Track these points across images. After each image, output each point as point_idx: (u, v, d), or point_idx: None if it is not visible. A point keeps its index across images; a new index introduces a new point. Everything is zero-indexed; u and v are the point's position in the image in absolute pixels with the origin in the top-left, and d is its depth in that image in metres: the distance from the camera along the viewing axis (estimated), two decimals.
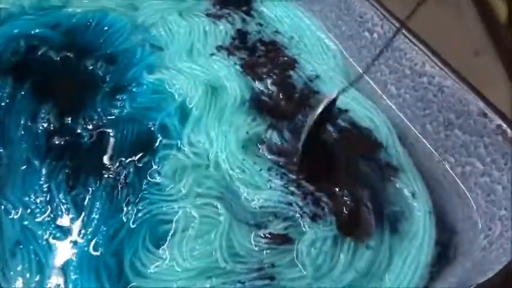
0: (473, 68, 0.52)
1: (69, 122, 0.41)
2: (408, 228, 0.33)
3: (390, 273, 0.31)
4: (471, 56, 0.53)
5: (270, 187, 0.36)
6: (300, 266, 0.32)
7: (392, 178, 0.37)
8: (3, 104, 0.43)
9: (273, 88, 0.43)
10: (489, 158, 0.32)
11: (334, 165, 0.38)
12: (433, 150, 0.37)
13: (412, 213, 0.35)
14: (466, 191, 0.35)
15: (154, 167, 0.38)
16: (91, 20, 0.51)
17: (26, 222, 0.35)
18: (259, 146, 0.39)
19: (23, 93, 0.44)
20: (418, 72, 0.37)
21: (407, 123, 0.40)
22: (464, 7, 0.57)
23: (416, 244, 0.32)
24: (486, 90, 0.44)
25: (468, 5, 0.57)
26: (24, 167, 0.38)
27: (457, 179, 0.36)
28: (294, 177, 0.36)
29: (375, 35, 0.41)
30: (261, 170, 0.37)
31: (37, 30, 0.50)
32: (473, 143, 0.33)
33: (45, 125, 0.41)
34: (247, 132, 0.39)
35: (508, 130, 0.31)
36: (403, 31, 0.38)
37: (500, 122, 0.31)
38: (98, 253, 0.33)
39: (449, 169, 0.36)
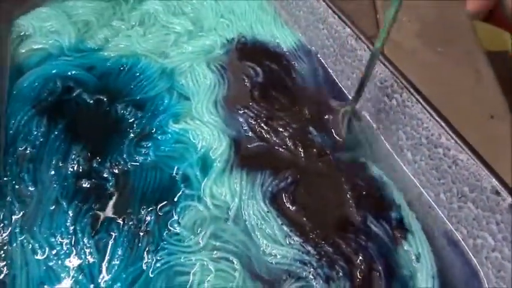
0: (488, 133, 0.53)
1: (97, 165, 0.44)
2: None
3: None
4: (486, 120, 0.55)
5: (289, 243, 0.37)
6: None
7: (401, 240, 0.38)
8: (37, 143, 0.45)
9: (290, 143, 0.45)
10: (500, 234, 0.33)
11: (346, 223, 0.39)
12: (445, 219, 0.38)
13: (416, 277, 0.36)
14: (477, 264, 0.35)
15: (175, 217, 0.39)
16: (124, 65, 0.54)
17: (50, 264, 0.36)
18: (285, 200, 0.40)
19: (56, 133, 0.46)
20: (434, 142, 0.39)
21: (421, 189, 0.41)
22: (483, 72, 0.59)
23: None
24: (500, 159, 0.45)
25: (487, 70, 0.59)
26: (53, 207, 0.40)
27: (468, 251, 0.36)
28: (312, 236, 0.38)
29: (394, 101, 0.43)
30: (282, 224, 0.38)
31: (73, 72, 0.53)
32: (486, 218, 0.34)
33: (75, 166, 0.43)
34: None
35: None
36: (421, 102, 0.39)
37: None
38: None
39: (461, 239, 0.37)
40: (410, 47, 0.61)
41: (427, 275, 0.35)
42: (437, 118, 0.38)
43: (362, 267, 0.35)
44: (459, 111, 0.49)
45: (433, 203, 0.40)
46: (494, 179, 0.33)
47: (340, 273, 0.35)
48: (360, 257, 0.36)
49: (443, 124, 0.38)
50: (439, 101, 0.40)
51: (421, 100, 0.40)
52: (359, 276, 0.35)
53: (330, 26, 0.51)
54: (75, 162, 0.44)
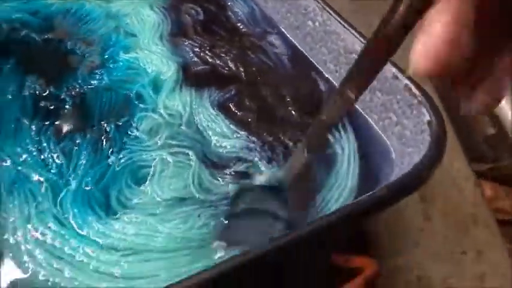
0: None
1: (53, 90, 0.47)
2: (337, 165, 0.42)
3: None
4: None
5: (236, 137, 0.44)
6: None
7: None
8: None
9: (231, 65, 0.52)
10: (400, 110, 0.42)
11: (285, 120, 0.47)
12: (361, 111, 0.47)
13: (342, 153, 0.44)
14: (386, 139, 0.44)
15: (133, 124, 0.44)
16: (69, 9, 0.57)
17: (20, 168, 0.40)
18: (231, 107, 0.47)
19: (8, 66, 0.49)
20: (349, 50, 0.47)
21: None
22: None
23: (342, 174, 0.41)
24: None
25: None
26: (14, 125, 0.43)
27: (379, 131, 0.45)
28: (256, 130, 0.44)
29: (317, 23, 0.51)
30: (230, 123, 0.44)
31: (18, 15, 0.55)
32: (389, 101, 0.43)
33: (32, 92, 0.46)
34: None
35: (412, 87, 0.41)
36: (338, 18, 0.48)
37: (406, 81, 0.41)
38: (88, 188, 0.38)
39: (373, 124, 0.46)
40: None
41: (349, 151, 0.43)
42: (350, 30, 0.46)
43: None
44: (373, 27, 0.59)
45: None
46: (392, 66, 0.42)
47: (280, 155, 0.43)
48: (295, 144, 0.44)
49: (356, 34, 0.46)
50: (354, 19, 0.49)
51: (337, 17, 0.48)
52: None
53: None
54: (31, 88, 0.47)
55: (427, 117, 0.39)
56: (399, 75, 0.42)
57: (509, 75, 0.16)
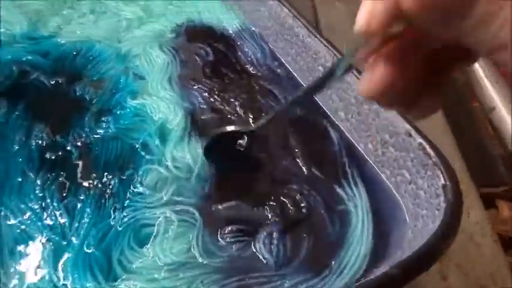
0: None
1: (60, 139, 0.47)
2: (352, 224, 0.41)
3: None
4: None
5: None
6: (261, 256, 0.38)
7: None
8: None
9: (240, 111, 0.50)
10: (414, 169, 0.40)
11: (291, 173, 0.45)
12: (373, 165, 0.45)
13: (356, 212, 0.42)
14: (398, 197, 0.42)
15: (138, 179, 0.43)
16: (79, 50, 0.57)
17: (23, 227, 0.39)
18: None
19: (17, 113, 0.49)
20: (360, 100, 0.45)
21: (353, 142, 0.48)
22: None
23: (357, 236, 0.39)
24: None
25: None
26: (20, 179, 0.43)
27: (391, 187, 0.43)
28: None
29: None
30: None
31: (29, 57, 0.55)
32: (402, 157, 0.41)
33: (39, 141, 0.46)
34: None
35: (427, 146, 0.39)
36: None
37: (420, 140, 0.39)
38: (89, 251, 0.38)
39: (385, 179, 0.44)
40: (342, 28, 0.69)
41: (362, 208, 0.42)
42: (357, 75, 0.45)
43: (304, 205, 0.42)
44: None
45: (363, 152, 0.47)
46: (406, 124, 0.40)
47: (289, 210, 0.41)
48: (304, 200, 0.42)
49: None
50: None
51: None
52: (304, 211, 0.41)
53: (269, 8, 0.57)
54: (38, 137, 0.46)
55: (442, 181, 0.37)
56: (413, 132, 0.40)
57: (432, 104, 0.21)
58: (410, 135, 0.40)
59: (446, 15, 0.15)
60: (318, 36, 0.50)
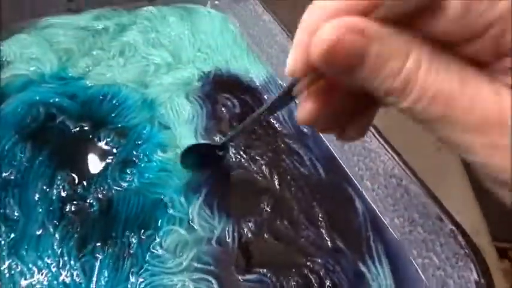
0: (435, 163, 0.60)
1: (82, 190, 0.46)
2: None
3: None
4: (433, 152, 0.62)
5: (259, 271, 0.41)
6: None
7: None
8: (22, 168, 0.47)
9: (266, 170, 0.50)
10: (443, 255, 0.39)
11: (316, 245, 0.44)
12: (398, 241, 0.44)
13: None
14: (425, 280, 0.41)
15: (158, 240, 0.43)
16: (106, 94, 0.57)
17: (38, 286, 0.38)
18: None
19: (41, 158, 0.48)
20: (388, 173, 0.44)
21: (379, 213, 0.46)
22: None
23: None
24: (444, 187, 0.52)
25: None
26: (39, 231, 0.42)
27: (418, 269, 0.42)
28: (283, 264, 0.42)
29: None
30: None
31: (56, 99, 0.55)
32: (431, 241, 0.40)
33: (61, 191, 0.46)
34: None
35: (459, 235, 0.37)
36: (378, 138, 0.45)
37: (452, 227, 0.38)
38: None
39: (412, 259, 0.42)
40: None
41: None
42: (391, 152, 0.44)
43: (329, 283, 0.40)
44: (409, 142, 0.56)
45: (388, 226, 0.45)
46: (438, 208, 0.39)
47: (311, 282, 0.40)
48: (329, 276, 0.41)
49: (396, 158, 0.44)
50: (392, 133, 0.46)
51: (378, 137, 0.45)
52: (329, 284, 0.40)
53: None
54: (60, 187, 0.46)
55: (475, 277, 0.35)
56: (444, 217, 0.39)
57: (358, 131, 0.26)
58: (441, 219, 0.39)
59: (343, 70, 0.19)
60: None
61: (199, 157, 0.48)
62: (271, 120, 0.56)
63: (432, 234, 0.40)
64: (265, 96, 0.60)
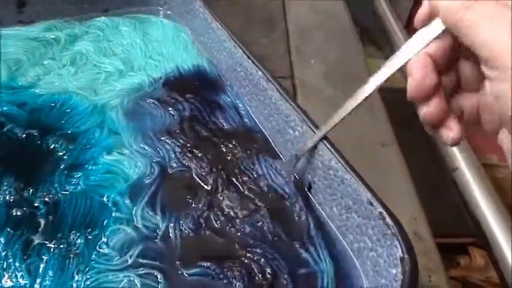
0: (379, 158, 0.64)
1: (28, 195, 0.47)
2: None
3: None
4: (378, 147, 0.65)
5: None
6: None
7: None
8: None
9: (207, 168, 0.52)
10: (375, 237, 0.42)
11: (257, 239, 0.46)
12: (335, 230, 0.47)
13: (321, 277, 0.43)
14: (358, 264, 0.44)
15: (104, 239, 0.43)
16: (56, 102, 0.58)
17: None
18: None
19: None
20: (327, 166, 0.47)
21: (317, 204, 0.49)
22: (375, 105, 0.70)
23: None
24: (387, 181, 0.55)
25: (379, 104, 0.71)
26: None
27: (352, 254, 0.44)
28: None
29: (296, 132, 0.51)
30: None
31: (5, 108, 0.56)
32: (365, 225, 0.43)
33: (7, 197, 0.46)
34: None
35: (387, 217, 0.40)
36: (315, 131, 0.48)
37: (381, 210, 0.41)
38: None
39: (346, 245, 0.45)
40: (316, 86, 0.72)
41: (327, 276, 0.43)
42: (328, 146, 0.47)
43: (269, 270, 0.42)
44: (354, 139, 0.59)
45: (326, 217, 0.48)
46: (368, 193, 0.42)
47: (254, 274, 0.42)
48: (269, 264, 0.43)
49: (332, 150, 0.46)
50: (337, 130, 0.49)
51: (315, 130, 0.48)
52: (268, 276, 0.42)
53: (245, 69, 0.60)
54: (6, 192, 0.46)
55: (400, 253, 0.38)
56: (374, 201, 0.42)
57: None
58: (371, 204, 0.42)
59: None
60: (290, 101, 0.52)
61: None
62: (220, 120, 0.58)
63: (365, 218, 0.43)
64: (215, 98, 0.62)
